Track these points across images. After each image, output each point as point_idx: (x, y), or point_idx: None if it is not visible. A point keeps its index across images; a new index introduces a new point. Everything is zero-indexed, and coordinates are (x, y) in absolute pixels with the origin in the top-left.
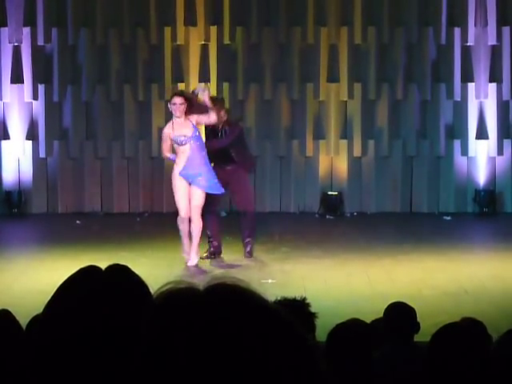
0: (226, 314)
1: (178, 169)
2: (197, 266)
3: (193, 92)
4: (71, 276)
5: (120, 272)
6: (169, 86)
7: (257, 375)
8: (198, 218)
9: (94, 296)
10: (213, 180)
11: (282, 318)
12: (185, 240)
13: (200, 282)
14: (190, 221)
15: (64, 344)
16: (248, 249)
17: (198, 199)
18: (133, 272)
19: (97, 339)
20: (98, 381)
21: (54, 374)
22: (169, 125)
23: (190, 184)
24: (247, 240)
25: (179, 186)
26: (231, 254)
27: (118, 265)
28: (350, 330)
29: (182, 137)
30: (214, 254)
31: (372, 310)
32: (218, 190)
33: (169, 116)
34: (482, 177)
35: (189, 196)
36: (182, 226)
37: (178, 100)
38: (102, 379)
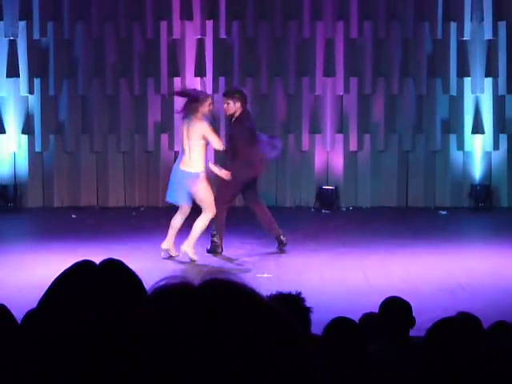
0: (218, 310)
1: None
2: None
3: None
4: (65, 270)
5: (114, 266)
6: (165, 80)
7: (249, 370)
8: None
9: (88, 290)
10: None
11: (276, 313)
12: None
13: (195, 278)
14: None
15: (58, 338)
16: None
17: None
18: (127, 266)
19: (91, 334)
20: (92, 376)
21: (48, 369)
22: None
23: None
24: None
25: None
26: (226, 249)
27: (112, 259)
28: (347, 324)
29: None
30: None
31: (367, 304)
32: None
33: (164, 110)
34: (477, 171)
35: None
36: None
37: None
38: (95, 374)
